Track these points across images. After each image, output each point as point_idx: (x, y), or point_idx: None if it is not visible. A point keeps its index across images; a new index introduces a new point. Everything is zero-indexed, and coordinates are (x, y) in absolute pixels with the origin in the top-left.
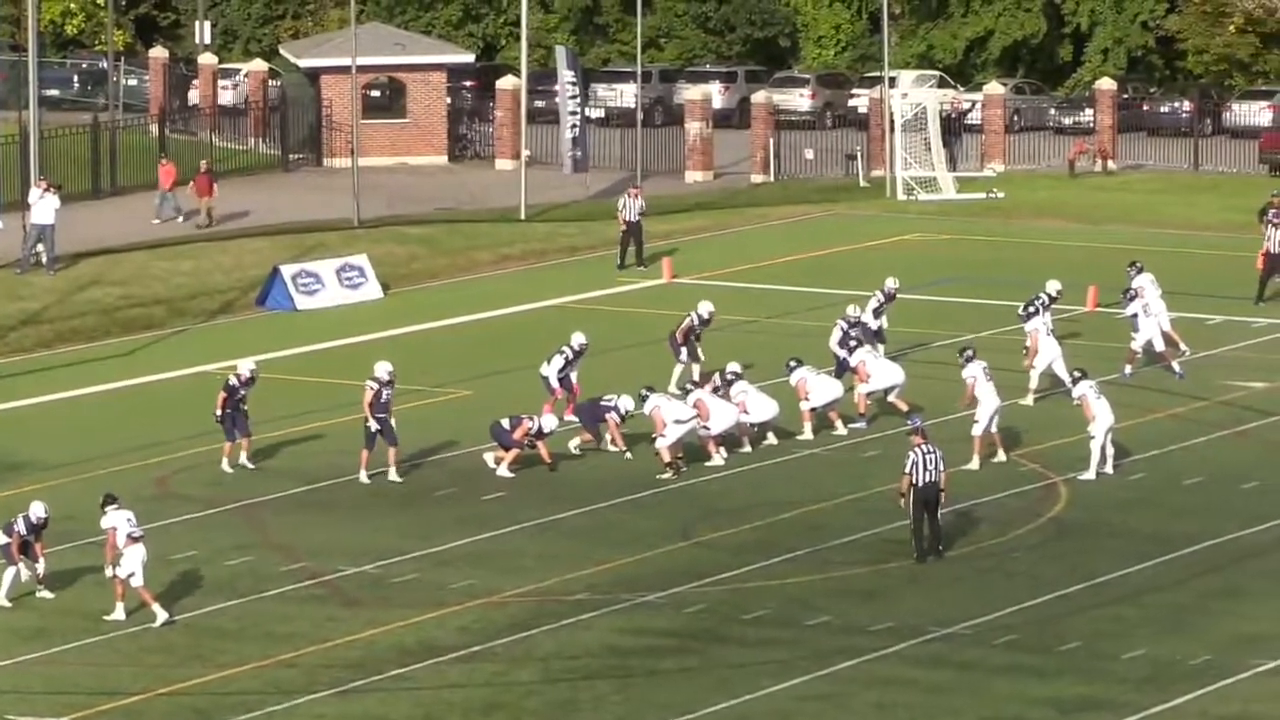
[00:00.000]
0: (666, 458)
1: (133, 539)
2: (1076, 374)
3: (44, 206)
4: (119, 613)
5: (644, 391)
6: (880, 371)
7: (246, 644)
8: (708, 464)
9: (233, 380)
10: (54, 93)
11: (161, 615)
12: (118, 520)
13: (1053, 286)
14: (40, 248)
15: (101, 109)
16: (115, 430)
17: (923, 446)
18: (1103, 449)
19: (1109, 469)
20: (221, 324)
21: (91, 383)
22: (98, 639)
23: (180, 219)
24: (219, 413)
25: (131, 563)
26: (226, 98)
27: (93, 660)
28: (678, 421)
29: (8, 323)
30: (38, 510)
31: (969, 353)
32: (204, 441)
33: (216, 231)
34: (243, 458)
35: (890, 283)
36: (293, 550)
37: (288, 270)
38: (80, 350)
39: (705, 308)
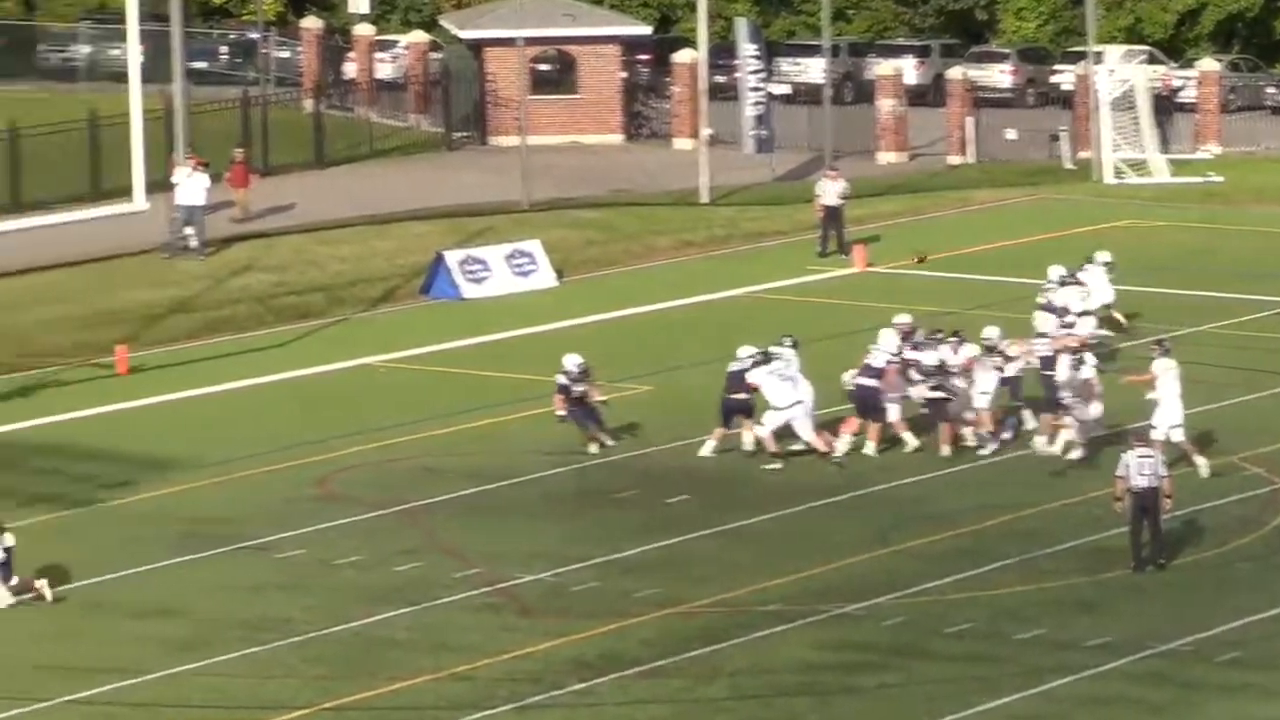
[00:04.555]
0: (772, 446)
1: None
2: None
3: (192, 186)
4: None
5: (759, 353)
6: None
7: (417, 655)
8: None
9: (560, 379)
10: (200, 65)
11: None
12: None
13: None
14: (189, 231)
15: (251, 83)
16: (271, 427)
17: (1139, 449)
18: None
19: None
20: (384, 314)
21: (245, 376)
22: (259, 649)
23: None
24: (560, 413)
25: None
26: (385, 71)
27: (254, 672)
28: (775, 409)
29: (155, 311)
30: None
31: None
32: (367, 439)
33: (376, 215)
34: (592, 447)
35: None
36: (465, 556)
37: (453, 256)
38: (232, 341)
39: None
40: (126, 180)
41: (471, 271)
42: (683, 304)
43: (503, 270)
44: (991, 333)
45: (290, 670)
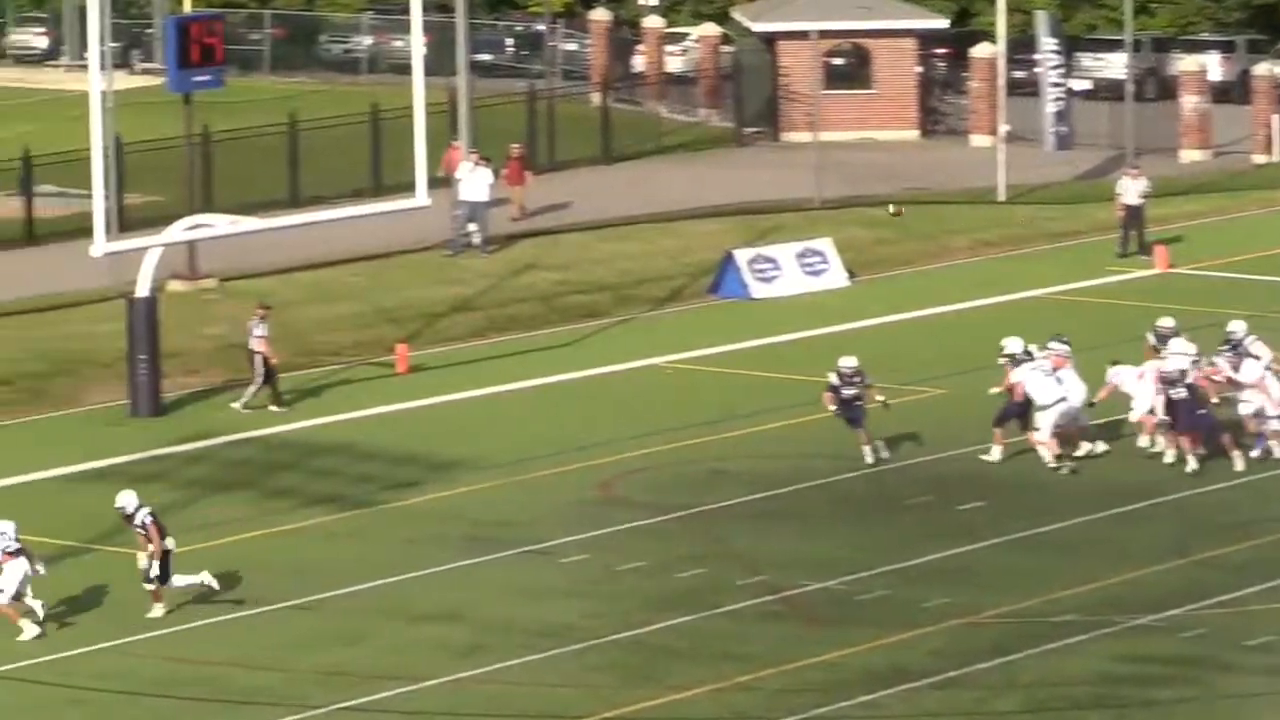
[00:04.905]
0: (1054, 449)
1: (9, 554)
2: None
3: (476, 182)
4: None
5: (1022, 352)
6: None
7: (699, 664)
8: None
9: (832, 378)
10: (486, 58)
11: (31, 631)
12: None
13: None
14: (472, 227)
15: (538, 76)
16: (555, 428)
17: None
18: None
19: None
20: (670, 313)
21: (529, 376)
22: (539, 657)
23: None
24: (832, 408)
25: (8, 580)
26: (674, 65)
27: (533, 680)
28: (1040, 407)
29: (438, 309)
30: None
31: None
32: (653, 442)
33: (664, 212)
34: (866, 453)
35: None
36: (751, 562)
37: (742, 255)
38: (516, 340)
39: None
40: (407, 175)
41: (761, 270)
42: (978, 305)
43: (793, 269)
44: (1237, 326)
45: (569, 678)
